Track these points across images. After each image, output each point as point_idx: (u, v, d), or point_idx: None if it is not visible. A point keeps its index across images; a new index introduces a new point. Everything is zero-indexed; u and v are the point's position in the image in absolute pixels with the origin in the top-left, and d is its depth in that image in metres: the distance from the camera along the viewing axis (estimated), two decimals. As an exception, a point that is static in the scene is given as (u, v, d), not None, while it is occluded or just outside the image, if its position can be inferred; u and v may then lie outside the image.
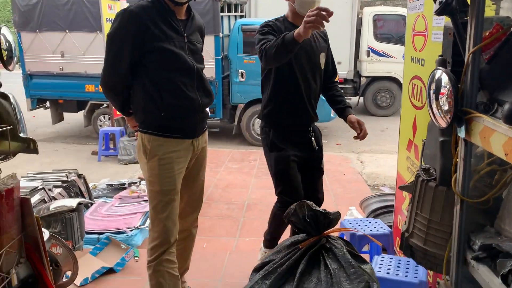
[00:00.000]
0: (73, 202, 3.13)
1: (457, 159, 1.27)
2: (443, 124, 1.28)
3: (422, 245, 1.46)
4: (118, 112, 6.79)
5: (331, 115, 7.32)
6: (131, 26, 2.05)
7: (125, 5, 6.54)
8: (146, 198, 4.22)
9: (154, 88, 2.11)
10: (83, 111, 8.08)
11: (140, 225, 3.62)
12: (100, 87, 2.25)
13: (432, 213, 1.42)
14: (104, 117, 7.93)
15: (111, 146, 6.79)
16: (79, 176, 4.06)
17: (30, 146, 1.91)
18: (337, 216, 1.64)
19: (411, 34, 2.70)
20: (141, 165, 2.27)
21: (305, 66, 2.58)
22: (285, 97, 2.62)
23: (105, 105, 7.73)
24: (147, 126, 2.18)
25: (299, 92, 2.61)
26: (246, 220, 4.11)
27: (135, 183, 4.73)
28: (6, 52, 1.66)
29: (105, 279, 2.91)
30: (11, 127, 1.77)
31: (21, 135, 1.87)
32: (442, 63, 1.42)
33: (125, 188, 4.65)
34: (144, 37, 2.06)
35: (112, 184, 4.71)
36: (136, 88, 2.15)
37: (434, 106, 1.30)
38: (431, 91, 1.31)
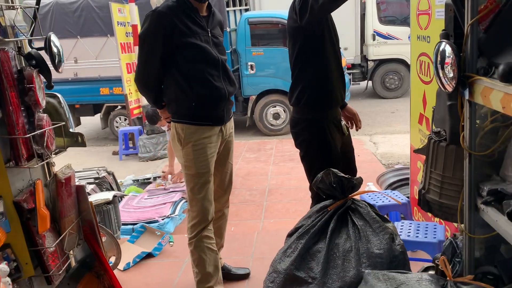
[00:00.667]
0: (109, 195, 3.36)
1: (463, 119, 1.45)
2: (449, 89, 1.46)
3: (438, 199, 1.65)
4: (135, 112, 7.11)
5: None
6: (160, 25, 2.26)
7: (134, 7, 6.78)
8: (172, 189, 4.45)
9: (184, 80, 2.31)
10: (99, 114, 8.34)
11: (170, 214, 3.84)
12: (134, 83, 2.46)
13: (445, 170, 1.61)
14: (120, 118, 8.18)
15: (131, 145, 7.04)
16: (108, 173, 4.29)
17: (78, 140, 2.13)
18: (359, 181, 1.84)
19: (415, 14, 2.87)
20: (176, 152, 2.48)
21: (336, 42, 2.42)
22: (332, 78, 2.36)
23: (119, 106, 7.98)
24: (180, 116, 2.38)
25: (341, 69, 2.43)
26: (269, 204, 4.32)
27: (159, 177, 4.96)
28: (56, 57, 1.88)
29: (145, 263, 3.14)
30: (64, 123, 1.98)
31: (71, 130, 2.09)
32: (445, 36, 1.60)
33: (150, 182, 4.88)
34: (173, 34, 2.26)
35: (138, 179, 4.95)
36: (168, 81, 2.36)
37: (441, 74, 1.48)
38: (438, 62, 1.49)
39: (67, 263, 2.02)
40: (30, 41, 1.89)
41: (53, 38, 1.86)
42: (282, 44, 7.43)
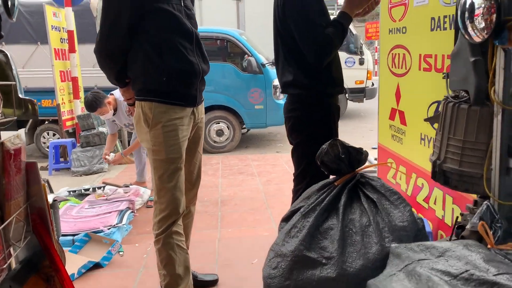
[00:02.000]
0: (49, 198, 2.90)
1: (495, 72, 1.34)
2: (478, 39, 1.35)
3: (458, 167, 1.50)
4: (68, 124, 6.52)
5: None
6: None
7: (70, 12, 6.31)
8: (116, 199, 4.01)
9: (154, 51, 2.03)
10: (23, 129, 7.58)
11: (117, 223, 3.41)
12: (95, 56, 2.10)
13: (467, 134, 1.48)
14: (48, 134, 7.47)
15: (62, 159, 6.42)
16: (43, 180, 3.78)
17: (28, 109, 1.76)
18: (366, 153, 1.66)
19: (387, 8, 2.84)
20: (141, 135, 2.16)
21: None
22: (338, 60, 2.33)
23: (47, 121, 7.30)
24: (147, 92, 2.08)
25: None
26: (224, 213, 4.02)
27: (100, 188, 4.48)
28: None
29: (92, 274, 2.71)
30: (14, 83, 1.62)
31: (20, 95, 1.72)
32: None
33: (88, 194, 4.39)
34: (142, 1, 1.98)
35: (76, 190, 4.43)
36: (134, 53, 2.06)
37: (469, 28, 1.37)
38: (466, 16, 1.38)
39: (11, 258, 1.61)
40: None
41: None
42: (222, 59, 7.30)
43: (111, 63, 2.10)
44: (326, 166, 1.65)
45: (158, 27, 2.03)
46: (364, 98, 9.71)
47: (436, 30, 2.27)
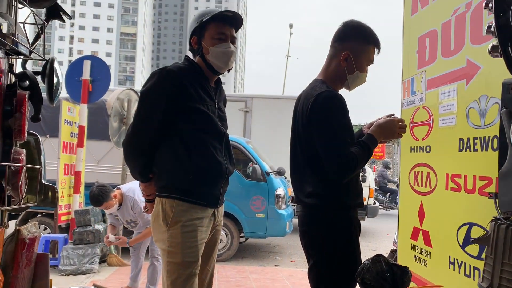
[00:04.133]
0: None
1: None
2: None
3: (516, 297, 1.36)
4: (63, 218, 6.29)
5: (286, 229, 7.26)
6: (168, 84, 2.01)
7: (85, 109, 6.47)
8: (106, 305, 3.68)
9: (184, 149, 2.01)
10: (15, 220, 7.30)
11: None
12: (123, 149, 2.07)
13: (525, 260, 1.37)
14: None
15: (50, 256, 6.07)
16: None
17: (48, 197, 1.65)
18: (410, 274, 1.52)
19: (409, 127, 2.88)
20: (157, 235, 2.02)
21: None
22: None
23: (40, 214, 7.07)
24: (171, 190, 2.00)
25: None
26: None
27: (89, 290, 4.15)
28: (54, 87, 1.52)
29: None
30: (41, 168, 1.54)
31: (43, 181, 1.63)
32: (509, 114, 1.50)
33: (76, 296, 4.05)
34: (180, 96, 2.01)
35: (63, 291, 4.09)
36: (164, 149, 2.03)
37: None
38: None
39: None
40: (25, 61, 1.53)
41: (56, 63, 1.53)
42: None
43: (137, 155, 2.05)
44: (366, 286, 1.50)
45: (192, 125, 2.03)
46: (366, 216, 9.59)
47: (466, 151, 2.26)
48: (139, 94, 2.17)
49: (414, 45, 2.88)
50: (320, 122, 1.99)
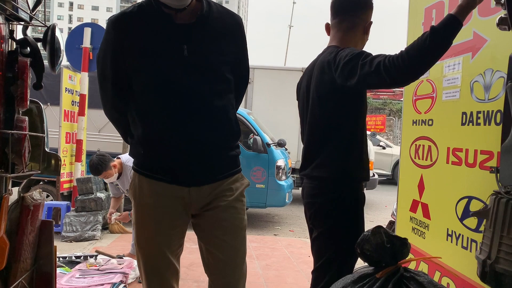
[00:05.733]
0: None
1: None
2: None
3: (513, 269, 1.39)
4: (65, 186, 6.35)
5: (286, 200, 7.34)
6: (111, 38, 1.69)
7: (86, 77, 6.42)
8: (109, 270, 3.76)
9: (137, 116, 1.73)
10: (17, 187, 7.36)
11: (109, 298, 3.16)
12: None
13: (523, 233, 1.39)
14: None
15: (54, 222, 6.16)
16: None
17: (51, 165, 1.66)
18: (409, 245, 1.54)
19: (412, 100, 2.86)
20: None
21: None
22: (366, 145, 2.18)
23: (42, 182, 7.13)
24: (133, 160, 1.85)
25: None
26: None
27: (92, 256, 4.23)
28: (56, 53, 1.50)
29: None
30: (44, 135, 1.54)
31: (46, 149, 1.63)
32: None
33: (79, 262, 4.13)
34: (124, 51, 1.67)
35: (66, 257, 4.17)
36: (128, 116, 1.82)
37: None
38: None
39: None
40: (25, 27, 1.51)
41: (58, 30, 1.51)
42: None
43: (114, 122, 1.92)
44: (366, 256, 1.52)
45: (143, 86, 1.72)
46: (365, 188, 9.66)
47: (468, 124, 2.25)
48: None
49: (420, 16, 2.83)
50: (347, 54, 1.88)
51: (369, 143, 10.09)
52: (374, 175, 9.85)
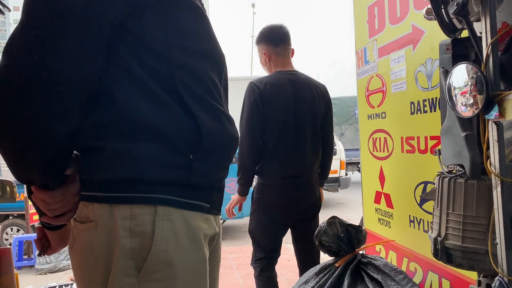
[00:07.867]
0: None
1: (489, 145, 1.36)
2: (469, 115, 1.39)
3: (460, 243, 1.46)
4: (35, 218, 6.19)
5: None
6: None
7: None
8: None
9: None
10: (-15, 223, 7.15)
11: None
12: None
13: (466, 208, 1.46)
14: (11, 229, 7.05)
15: (25, 257, 5.99)
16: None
17: (6, 192, 1.64)
18: (365, 232, 1.60)
19: (365, 96, 2.96)
20: None
21: None
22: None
23: (11, 217, 6.94)
24: None
25: None
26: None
27: (68, 285, 4.15)
28: None
29: None
30: (-6, 163, 1.52)
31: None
32: (446, 73, 1.57)
33: (55, 293, 4.04)
34: None
35: (41, 289, 4.08)
36: None
37: (459, 105, 1.42)
38: (453, 93, 1.44)
39: None
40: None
41: None
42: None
43: None
44: (324, 247, 1.57)
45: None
46: (339, 188, 9.80)
47: (417, 113, 2.35)
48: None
49: (364, 15, 2.94)
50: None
51: (339, 143, 10.26)
52: (346, 174, 10.00)
